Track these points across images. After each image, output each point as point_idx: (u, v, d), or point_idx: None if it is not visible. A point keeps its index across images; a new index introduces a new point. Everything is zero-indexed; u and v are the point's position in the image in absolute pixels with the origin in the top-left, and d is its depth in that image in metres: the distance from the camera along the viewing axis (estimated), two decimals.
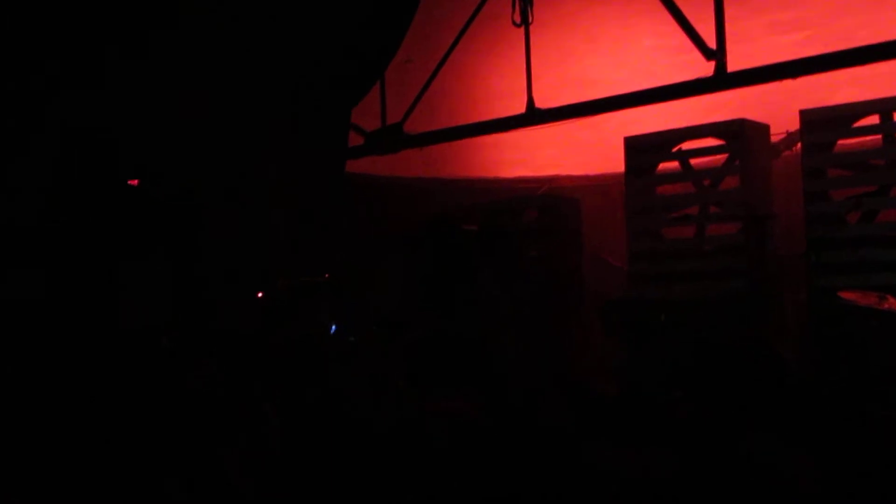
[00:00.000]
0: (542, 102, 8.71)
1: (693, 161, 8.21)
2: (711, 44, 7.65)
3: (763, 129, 8.00)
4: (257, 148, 7.39)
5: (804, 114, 7.51)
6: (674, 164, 8.34)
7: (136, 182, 7.23)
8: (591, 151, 9.86)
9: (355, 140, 9.75)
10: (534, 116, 8.75)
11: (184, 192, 6.73)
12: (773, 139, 8.20)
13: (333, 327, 8.40)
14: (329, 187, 9.24)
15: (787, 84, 7.56)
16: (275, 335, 7.54)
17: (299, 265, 8.35)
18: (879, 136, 7.33)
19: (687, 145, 8.22)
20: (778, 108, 8.08)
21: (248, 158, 7.35)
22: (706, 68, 7.71)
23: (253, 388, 5.96)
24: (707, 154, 8.17)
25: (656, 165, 8.39)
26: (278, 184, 7.84)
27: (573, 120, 8.71)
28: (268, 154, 7.58)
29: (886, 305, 6.29)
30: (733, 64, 7.62)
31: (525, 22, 8.56)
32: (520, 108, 8.78)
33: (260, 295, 8.17)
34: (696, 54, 7.74)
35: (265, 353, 7.27)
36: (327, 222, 9.10)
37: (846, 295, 6.81)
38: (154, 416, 4.43)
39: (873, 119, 7.32)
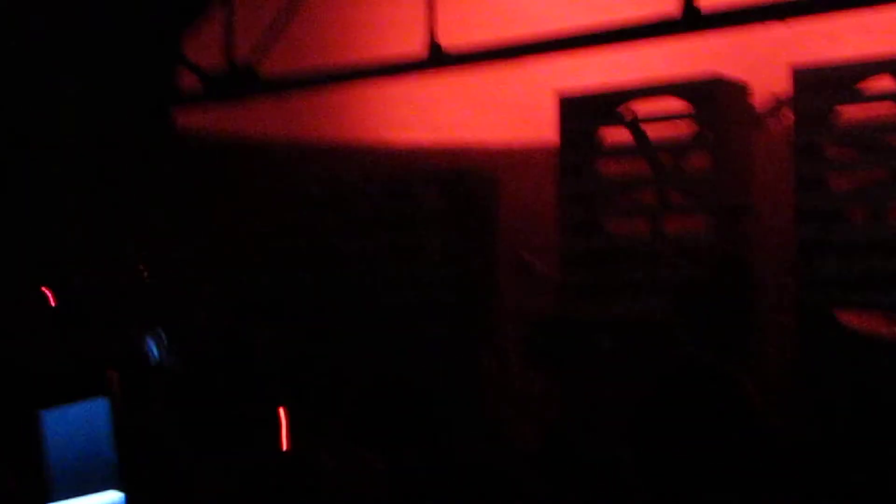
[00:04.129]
0: (448, 41, 8.67)
1: (650, 130, 8.25)
2: None
3: (742, 90, 8.09)
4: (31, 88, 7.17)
5: (798, 73, 7.61)
6: (624, 134, 8.39)
7: None
8: (513, 113, 9.84)
9: (189, 83, 9.59)
10: (436, 60, 8.71)
11: None
12: (755, 104, 8.31)
13: (155, 350, 8.23)
14: (147, 145, 9.08)
15: (776, 31, 7.66)
16: (67, 357, 7.36)
17: (102, 255, 8.19)
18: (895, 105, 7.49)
19: (642, 109, 8.27)
20: (762, 63, 8.16)
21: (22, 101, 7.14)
22: (670, 4, 7.77)
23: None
24: (667, 120, 8.22)
25: (599, 133, 8.43)
26: (68, 131, 7.66)
27: (490, 67, 8.69)
28: (51, 95, 7.37)
29: None
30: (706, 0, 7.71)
31: None
32: (418, 47, 8.73)
33: (49, 295, 7.99)
34: None
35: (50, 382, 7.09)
36: (145, 197, 8.96)
37: (845, 316, 6.93)
38: None
39: (887, 82, 7.47)
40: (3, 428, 5.27)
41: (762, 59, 8.13)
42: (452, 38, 8.74)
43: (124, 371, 7.53)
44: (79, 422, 4.37)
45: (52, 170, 8.48)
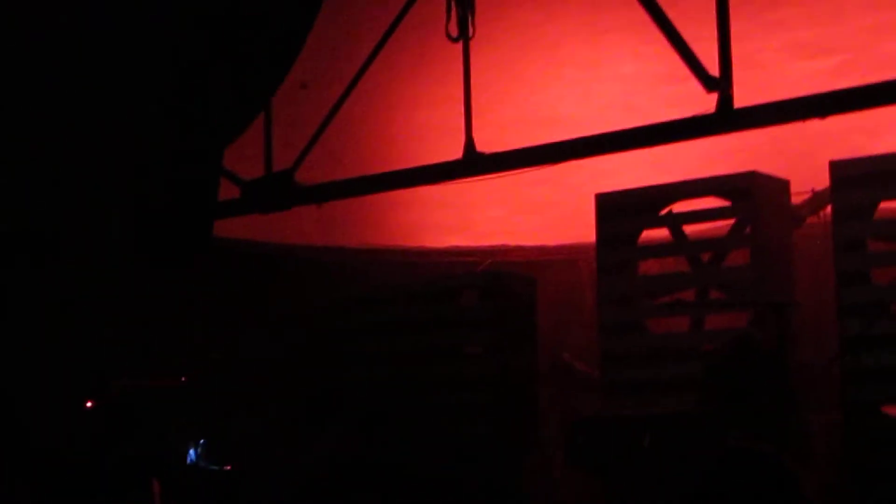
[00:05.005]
0: (484, 145, 8.72)
1: (688, 228, 8.28)
2: (713, 70, 7.74)
3: (781, 186, 8.11)
4: (74, 196, 7.27)
5: (836, 167, 7.62)
6: (662, 232, 8.42)
7: None
8: (550, 213, 9.89)
9: (228, 192, 9.66)
10: (474, 164, 8.73)
11: None
12: (794, 200, 8.31)
13: (192, 451, 8.25)
14: (188, 256, 9.13)
15: (814, 127, 7.66)
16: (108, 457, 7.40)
17: (143, 362, 8.24)
18: None
19: (679, 207, 8.30)
20: (801, 158, 8.19)
21: (61, 209, 7.22)
22: (705, 103, 7.78)
23: None
24: (706, 219, 8.26)
25: (639, 233, 8.45)
26: (113, 246, 7.72)
27: (526, 170, 8.70)
28: (93, 207, 7.45)
29: None
30: (742, 97, 7.72)
31: (464, 36, 8.60)
32: (455, 152, 8.78)
33: (90, 404, 8.02)
34: (693, 84, 7.81)
35: (96, 481, 7.11)
36: (185, 306, 9.01)
37: (890, 410, 6.85)
38: None
39: None
40: None
41: (800, 154, 8.16)
42: (489, 142, 8.80)
43: (162, 474, 7.55)
44: None
45: (96, 278, 8.55)
